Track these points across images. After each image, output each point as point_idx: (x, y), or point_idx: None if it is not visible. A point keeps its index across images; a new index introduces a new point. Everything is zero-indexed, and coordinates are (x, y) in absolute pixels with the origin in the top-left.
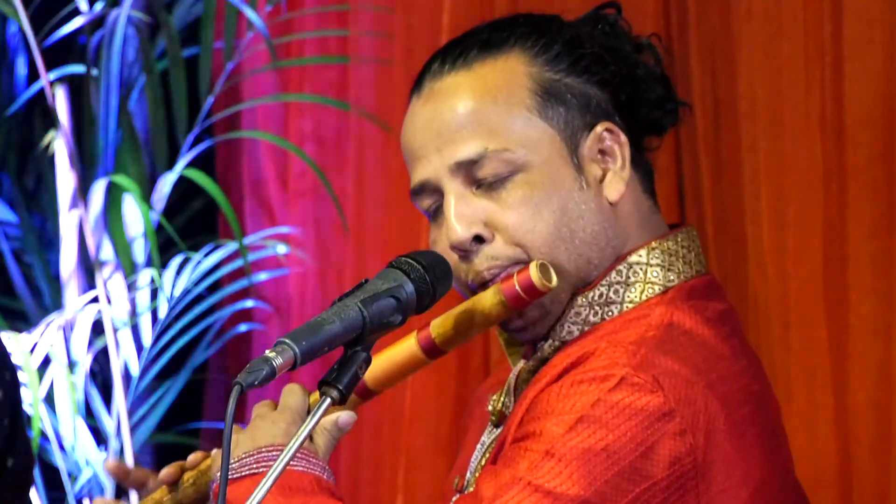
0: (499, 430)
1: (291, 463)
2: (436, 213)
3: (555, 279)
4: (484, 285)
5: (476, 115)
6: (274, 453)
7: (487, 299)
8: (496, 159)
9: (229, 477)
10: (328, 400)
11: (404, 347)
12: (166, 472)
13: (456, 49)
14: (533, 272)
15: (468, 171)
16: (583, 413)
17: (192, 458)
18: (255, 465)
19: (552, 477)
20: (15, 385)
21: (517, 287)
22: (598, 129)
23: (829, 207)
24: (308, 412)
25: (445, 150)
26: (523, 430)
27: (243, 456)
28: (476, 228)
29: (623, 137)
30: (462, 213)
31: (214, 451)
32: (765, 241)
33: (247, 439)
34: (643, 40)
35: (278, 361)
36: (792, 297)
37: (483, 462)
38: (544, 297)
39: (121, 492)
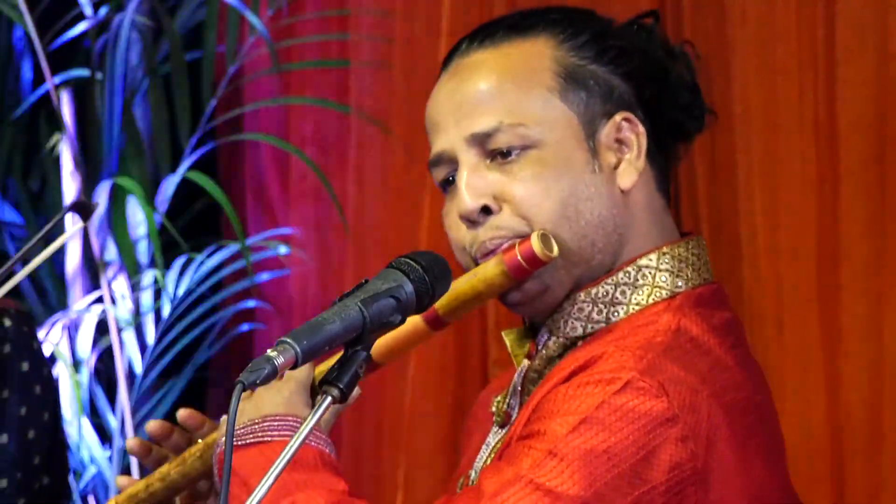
0: (504, 430)
1: None
2: (450, 186)
3: (556, 249)
4: (486, 256)
5: (496, 90)
6: (277, 421)
7: (490, 269)
8: (510, 132)
9: (235, 444)
10: (329, 399)
11: (408, 321)
12: (156, 425)
13: (486, 30)
14: (534, 241)
15: (483, 143)
16: (587, 415)
17: (182, 413)
18: (260, 433)
19: (553, 476)
20: (59, 406)
21: (519, 256)
22: (617, 117)
23: (821, 209)
24: (313, 385)
25: (463, 121)
26: (529, 429)
27: (248, 423)
28: (485, 200)
29: (641, 128)
30: (473, 185)
31: (224, 419)
32: (759, 241)
33: (251, 408)
34: (676, 49)
35: (280, 360)
36: (785, 297)
37: (489, 462)
38: (544, 270)
39: None
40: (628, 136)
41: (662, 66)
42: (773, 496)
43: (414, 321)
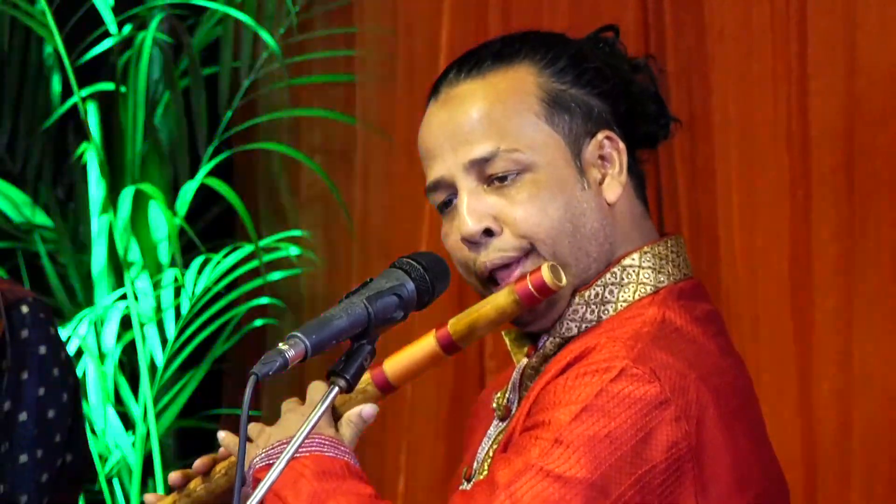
0: (505, 423)
1: (324, 450)
2: (448, 209)
3: (564, 279)
4: (491, 274)
5: (488, 118)
6: (306, 440)
7: (502, 298)
8: (507, 158)
9: (267, 463)
10: (336, 388)
11: (424, 345)
12: (200, 462)
13: (471, 59)
14: (545, 273)
15: (481, 169)
16: (587, 403)
17: (223, 452)
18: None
19: (561, 462)
20: (77, 388)
21: (530, 287)
22: (599, 136)
23: (795, 212)
24: (331, 406)
25: (460, 149)
26: (533, 420)
27: (276, 444)
28: (486, 222)
29: (621, 145)
30: (474, 209)
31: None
32: (736, 243)
33: (278, 431)
34: (639, 61)
35: (290, 353)
36: (760, 294)
37: (491, 452)
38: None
39: (147, 474)
40: (610, 152)
41: (628, 79)
42: (760, 474)
43: (430, 346)
